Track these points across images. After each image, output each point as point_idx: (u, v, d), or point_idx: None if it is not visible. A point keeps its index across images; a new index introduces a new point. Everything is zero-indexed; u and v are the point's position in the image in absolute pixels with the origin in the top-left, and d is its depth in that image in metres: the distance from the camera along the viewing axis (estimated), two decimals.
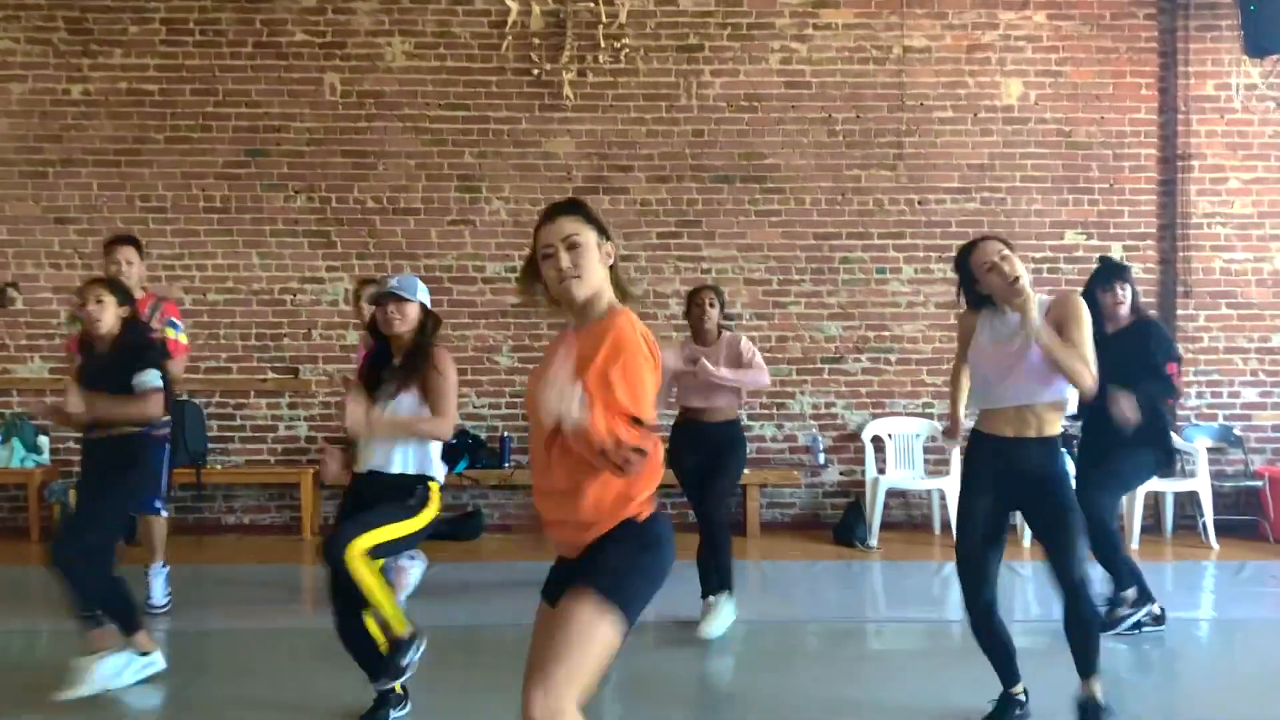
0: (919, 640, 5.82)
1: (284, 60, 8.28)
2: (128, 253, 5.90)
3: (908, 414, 8.44)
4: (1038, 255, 8.43)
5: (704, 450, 5.72)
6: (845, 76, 8.43)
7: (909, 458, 8.27)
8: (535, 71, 8.31)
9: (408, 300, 4.33)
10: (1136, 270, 8.37)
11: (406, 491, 4.31)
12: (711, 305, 5.84)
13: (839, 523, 8.08)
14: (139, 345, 4.81)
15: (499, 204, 8.38)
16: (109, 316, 4.71)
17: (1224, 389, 8.42)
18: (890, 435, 8.26)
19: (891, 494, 8.17)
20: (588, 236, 2.75)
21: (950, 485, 7.86)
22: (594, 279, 2.75)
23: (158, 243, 8.18)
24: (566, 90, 8.29)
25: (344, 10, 8.30)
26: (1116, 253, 8.44)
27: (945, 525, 8.02)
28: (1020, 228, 8.43)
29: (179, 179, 8.29)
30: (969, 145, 8.45)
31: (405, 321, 4.32)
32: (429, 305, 4.45)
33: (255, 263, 8.30)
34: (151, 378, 4.72)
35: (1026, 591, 6.91)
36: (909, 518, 8.47)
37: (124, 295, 4.83)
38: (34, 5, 8.19)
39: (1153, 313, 6.90)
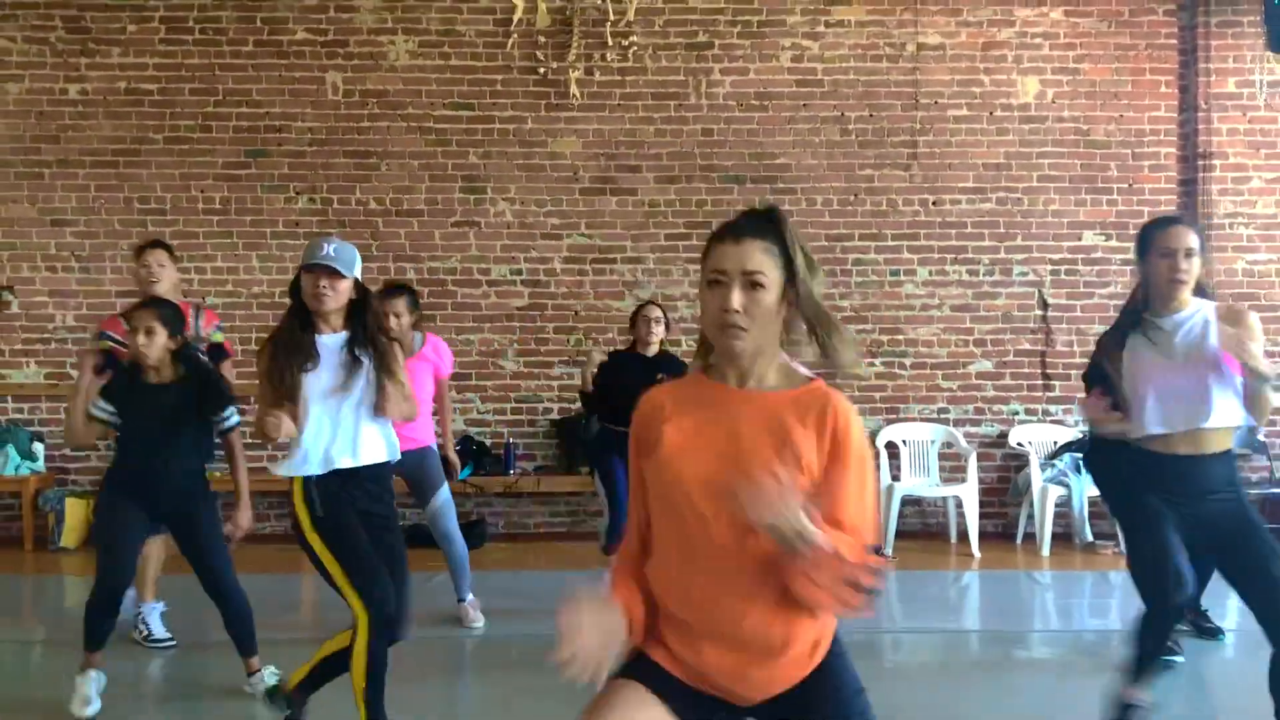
0: (936, 651, 5.65)
1: (285, 59, 8.14)
2: (159, 256, 5.49)
3: (922, 420, 8.25)
4: (1055, 256, 8.26)
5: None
6: (858, 74, 8.27)
7: (924, 464, 8.08)
8: (541, 70, 8.16)
9: (343, 276, 3.85)
10: None
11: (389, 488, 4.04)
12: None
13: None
14: (211, 384, 4.60)
15: (504, 205, 8.22)
16: (157, 350, 4.43)
17: None
18: (905, 441, 8.07)
19: (906, 501, 7.98)
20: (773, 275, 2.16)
21: (966, 493, 7.67)
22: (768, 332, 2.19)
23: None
24: (573, 89, 8.13)
25: (346, 8, 8.16)
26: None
27: (962, 533, 7.83)
28: (1037, 228, 8.26)
29: (178, 180, 8.14)
30: (985, 144, 8.28)
31: (338, 298, 3.86)
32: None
33: (255, 265, 8.14)
34: (232, 416, 4.57)
35: (1047, 600, 6.75)
36: (924, 526, 8.28)
37: (176, 324, 4.51)
38: (31, 4, 8.05)
39: None
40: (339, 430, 3.86)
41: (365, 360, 3.87)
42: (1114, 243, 8.24)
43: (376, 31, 8.16)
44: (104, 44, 8.10)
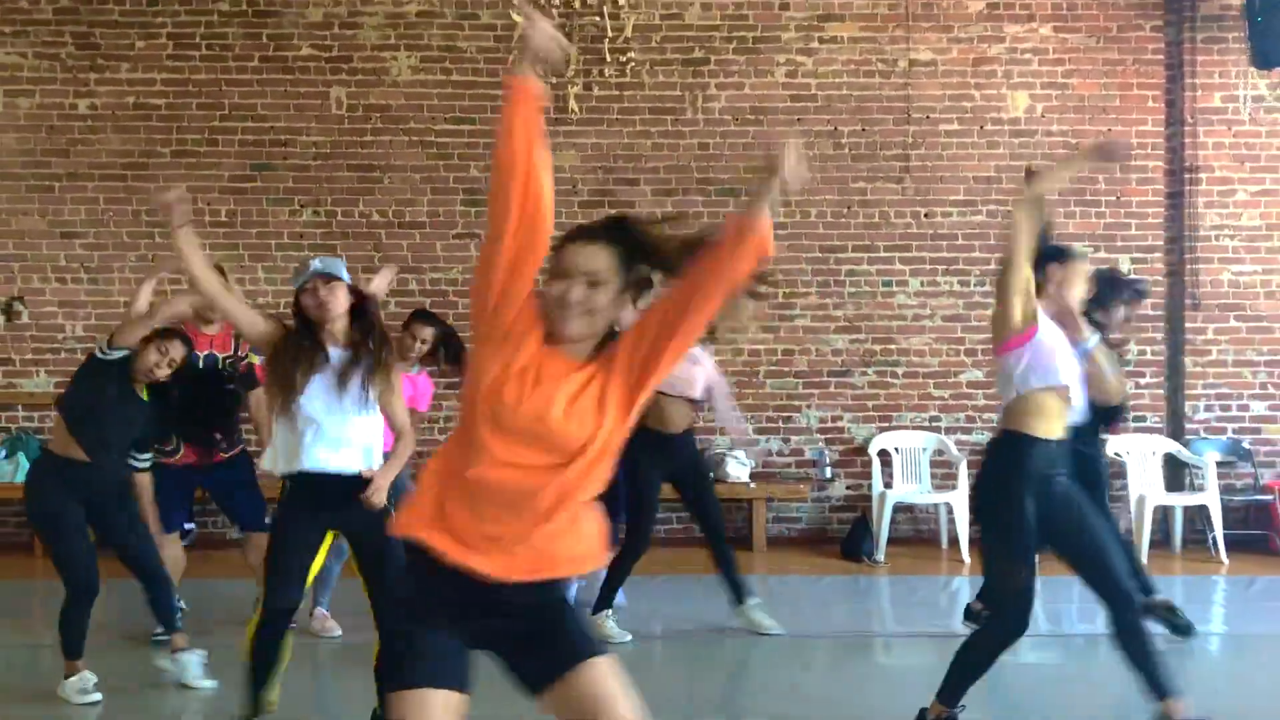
0: (927, 655, 5.77)
1: (290, 75, 8.33)
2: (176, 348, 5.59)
3: (914, 427, 8.42)
4: None
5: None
6: (851, 90, 8.46)
7: (916, 472, 8.25)
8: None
9: (338, 279, 4.02)
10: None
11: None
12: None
13: (846, 537, 8.06)
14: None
15: None
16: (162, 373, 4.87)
17: (1233, 402, 8.40)
18: (897, 449, 8.24)
19: (899, 508, 8.14)
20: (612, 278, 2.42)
21: (957, 499, 7.84)
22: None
23: (164, 258, 8.19)
24: (572, 104, 8.32)
25: (350, 25, 8.35)
26: (1125, 265, 8.45)
27: (953, 540, 7.99)
28: None
29: (185, 193, 8.28)
30: (975, 158, 8.47)
31: (340, 304, 4.01)
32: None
33: (261, 277, 8.32)
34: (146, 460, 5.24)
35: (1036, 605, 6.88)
36: (916, 532, 8.44)
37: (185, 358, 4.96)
38: (42, 20, 8.24)
39: None
40: (323, 435, 3.98)
41: (364, 368, 4.01)
42: (1102, 254, 8.40)
43: (380, 48, 8.35)
44: (113, 60, 8.28)
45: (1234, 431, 8.39)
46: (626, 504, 6.03)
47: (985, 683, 4.51)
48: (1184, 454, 8.19)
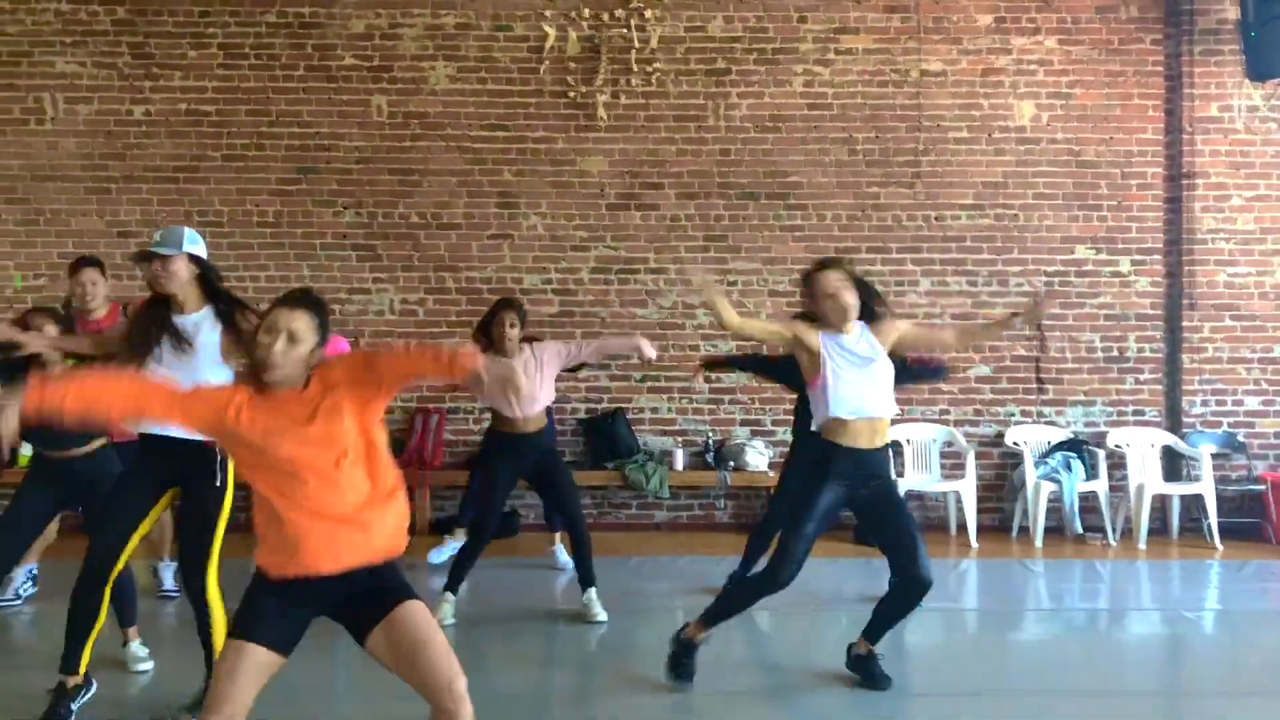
0: (933, 630, 6.14)
1: (334, 83, 8.76)
2: (92, 274, 5.97)
3: (925, 420, 8.81)
4: (1049, 269, 8.83)
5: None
6: (865, 99, 8.85)
7: (926, 462, 8.64)
8: (571, 94, 8.76)
9: (171, 256, 4.18)
10: (1144, 283, 8.81)
11: (208, 463, 4.24)
12: (512, 326, 5.99)
13: (858, 524, 8.43)
14: None
15: (536, 219, 8.82)
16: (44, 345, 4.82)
17: (1228, 397, 8.77)
18: (908, 440, 8.62)
19: (910, 496, 8.49)
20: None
21: (965, 488, 8.25)
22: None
23: (214, 255, 8.46)
24: (600, 112, 8.74)
25: (391, 36, 8.78)
26: (1124, 266, 8.85)
27: (961, 526, 8.38)
28: (1032, 242, 8.84)
29: (234, 195, 8.75)
30: (983, 164, 8.85)
31: (173, 279, 4.19)
32: (203, 256, 4.33)
33: (306, 274, 8.73)
34: None
35: (1039, 585, 7.30)
36: (925, 519, 8.80)
37: (66, 326, 4.96)
38: (101, 31, 8.68)
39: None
40: None
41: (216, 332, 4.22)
42: (1104, 256, 8.82)
43: (419, 58, 8.78)
44: (167, 68, 8.72)
45: (1229, 425, 8.77)
46: (475, 500, 6.63)
47: (990, 657, 4.95)
48: (1181, 446, 8.58)
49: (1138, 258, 8.84)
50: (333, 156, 8.75)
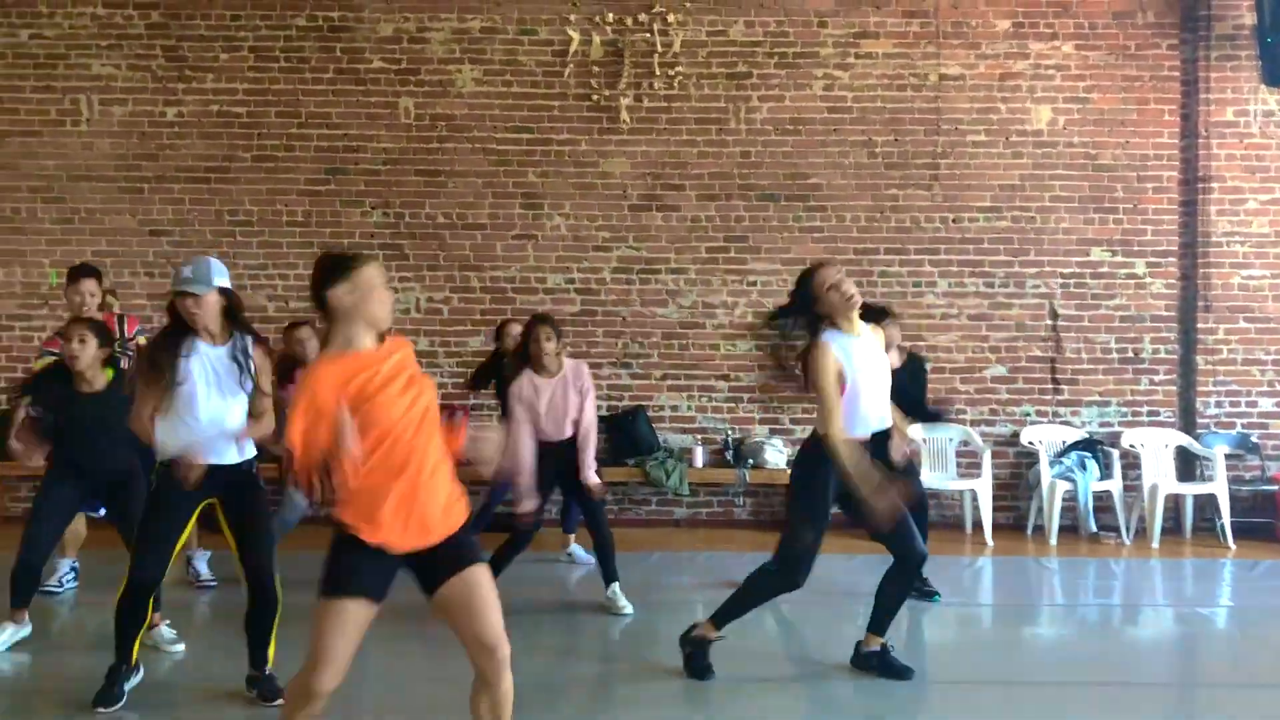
0: (948, 625, 6.30)
1: (362, 85, 8.93)
2: (90, 284, 6.20)
3: (942, 420, 8.91)
4: (1065, 270, 8.94)
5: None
6: (885, 102, 8.98)
7: (942, 461, 8.76)
8: (594, 97, 8.92)
9: (204, 294, 4.37)
10: (1159, 285, 8.92)
11: (248, 474, 4.61)
12: (548, 339, 6.09)
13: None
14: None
15: (560, 220, 8.98)
16: (88, 358, 5.16)
17: (1241, 399, 8.87)
18: (925, 439, 8.71)
19: (926, 494, 8.63)
20: None
21: (981, 487, 8.36)
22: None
23: (244, 254, 8.83)
24: (623, 114, 8.89)
25: (418, 40, 8.95)
26: (1140, 269, 8.95)
27: (976, 524, 8.49)
28: (1049, 245, 8.95)
29: (264, 195, 8.94)
30: (1001, 167, 8.97)
31: (207, 313, 4.39)
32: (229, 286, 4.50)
33: None
34: None
35: (1054, 582, 7.42)
36: (942, 517, 8.91)
37: (105, 336, 5.27)
38: (135, 35, 8.88)
39: None
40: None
41: (243, 365, 4.47)
42: (1119, 258, 8.93)
43: (445, 61, 8.95)
44: (199, 71, 8.91)
45: (1242, 426, 8.86)
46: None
47: (1005, 649, 5.09)
48: (1195, 447, 8.68)
49: (1153, 260, 8.95)
50: (361, 157, 8.93)
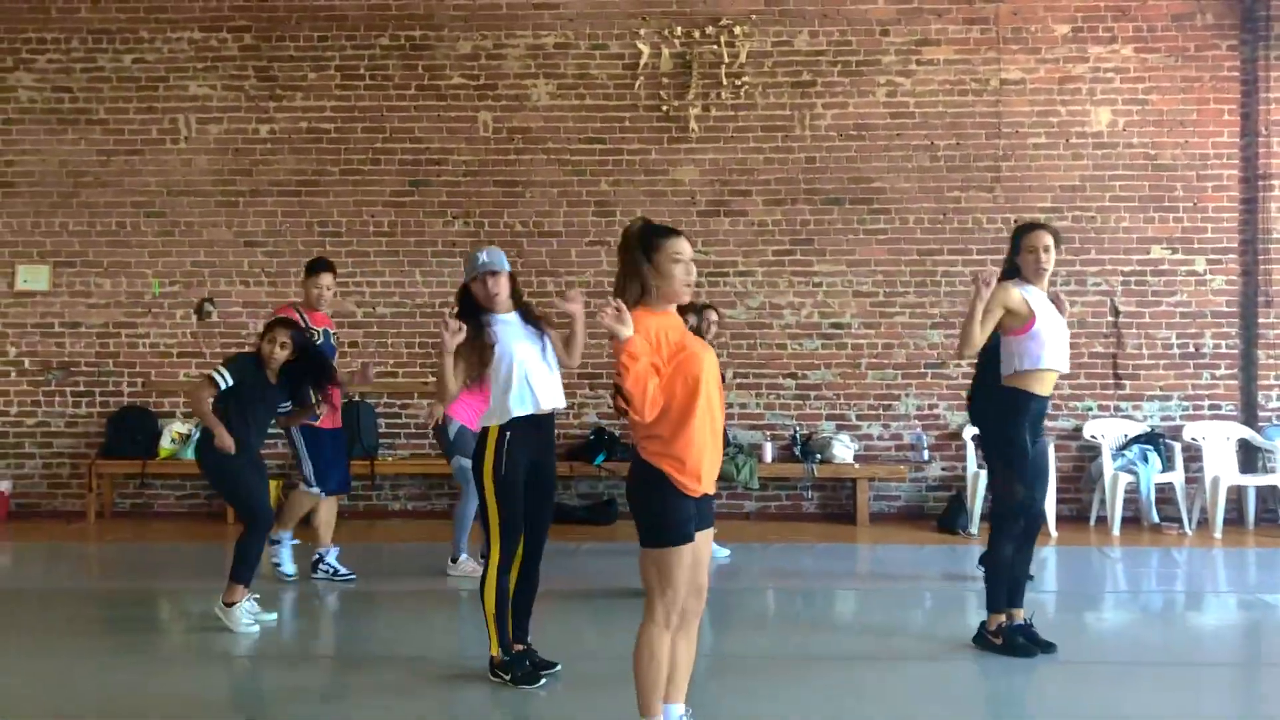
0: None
1: (443, 101, 9.37)
2: (327, 279, 6.89)
3: None
4: (1125, 269, 9.14)
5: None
6: (946, 107, 9.24)
7: None
8: (664, 108, 9.28)
9: (503, 272, 4.98)
10: (1219, 281, 9.08)
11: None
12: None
13: (942, 513, 8.83)
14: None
15: None
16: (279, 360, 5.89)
17: None
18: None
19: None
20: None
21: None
22: None
23: (334, 262, 9.27)
24: (692, 124, 9.24)
25: (496, 56, 9.37)
26: (1200, 265, 9.12)
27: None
28: (1109, 244, 9.15)
29: (352, 206, 9.41)
30: (1061, 169, 9.20)
31: (502, 290, 4.98)
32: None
33: (418, 280, 9.36)
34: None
35: (1117, 571, 7.64)
36: None
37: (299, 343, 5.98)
38: (229, 57, 9.40)
39: None
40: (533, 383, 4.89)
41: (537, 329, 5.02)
42: (1179, 256, 9.11)
43: (522, 76, 9.36)
44: (289, 90, 9.40)
45: None
46: None
47: (1071, 633, 5.36)
48: (1257, 439, 8.85)
49: (1213, 257, 9.12)
50: (442, 170, 9.36)
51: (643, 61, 9.26)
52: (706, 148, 9.32)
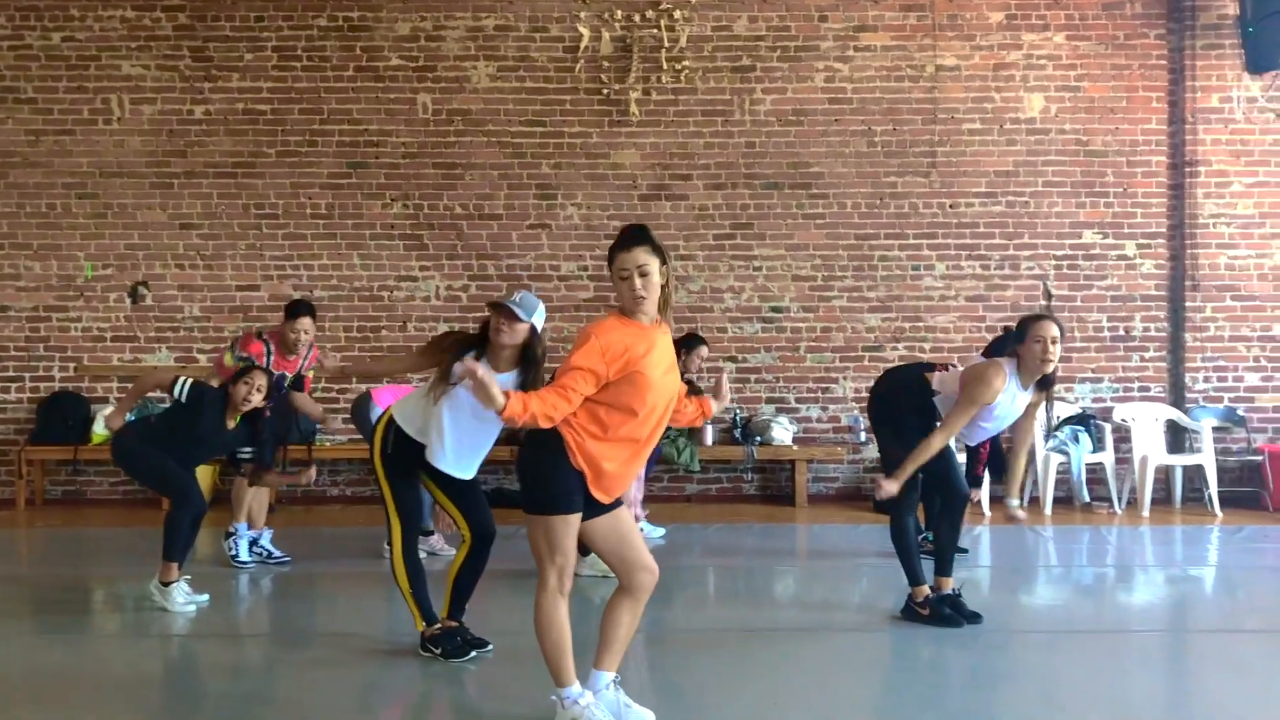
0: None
1: (381, 82, 9.29)
2: (306, 323, 6.64)
3: None
4: (1058, 253, 9.32)
5: None
6: (883, 93, 9.35)
7: None
8: (605, 91, 9.28)
9: (520, 321, 4.52)
10: (1149, 266, 9.28)
11: None
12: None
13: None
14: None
15: (572, 210, 9.35)
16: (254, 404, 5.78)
17: (1229, 374, 9.24)
18: None
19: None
20: (654, 265, 3.62)
21: None
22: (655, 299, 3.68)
23: (270, 246, 9.22)
24: (632, 108, 9.26)
25: (435, 38, 9.31)
26: (1130, 250, 9.31)
27: None
28: (1042, 228, 9.31)
29: (288, 189, 9.30)
30: (995, 154, 9.34)
31: (514, 336, 4.55)
32: (539, 329, 4.57)
33: (356, 263, 9.29)
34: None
35: (1049, 548, 7.79)
36: None
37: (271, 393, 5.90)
38: (163, 36, 9.25)
39: None
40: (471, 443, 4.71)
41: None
42: (1110, 240, 9.30)
43: (461, 58, 9.31)
44: (224, 70, 9.27)
45: (1229, 400, 9.24)
46: None
47: (1002, 606, 5.43)
48: (1184, 420, 9.06)
49: (1143, 242, 9.31)
50: (381, 152, 9.29)
51: (583, 45, 9.25)
52: (647, 131, 9.34)
